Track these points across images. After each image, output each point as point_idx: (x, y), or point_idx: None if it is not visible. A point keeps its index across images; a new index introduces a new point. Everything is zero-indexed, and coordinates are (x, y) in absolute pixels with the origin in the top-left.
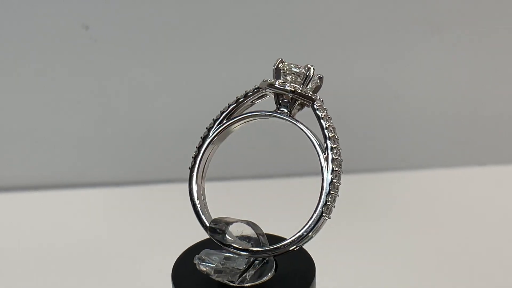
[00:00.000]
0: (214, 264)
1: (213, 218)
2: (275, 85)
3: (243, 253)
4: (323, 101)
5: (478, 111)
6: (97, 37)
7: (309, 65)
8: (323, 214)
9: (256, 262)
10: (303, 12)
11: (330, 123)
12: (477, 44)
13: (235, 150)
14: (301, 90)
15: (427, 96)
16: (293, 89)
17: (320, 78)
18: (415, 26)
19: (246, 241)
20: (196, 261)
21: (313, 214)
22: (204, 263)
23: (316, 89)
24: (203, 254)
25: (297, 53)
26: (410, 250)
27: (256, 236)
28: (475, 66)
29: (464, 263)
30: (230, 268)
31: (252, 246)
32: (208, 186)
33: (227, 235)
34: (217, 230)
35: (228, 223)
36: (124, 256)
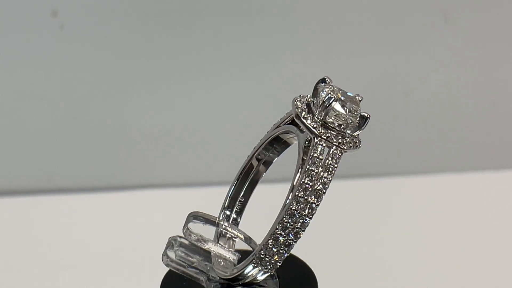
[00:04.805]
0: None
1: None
2: (293, 101)
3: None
4: (348, 146)
5: (497, 108)
6: (66, 24)
7: (330, 94)
8: (252, 262)
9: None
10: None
11: (321, 170)
12: (496, 32)
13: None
14: (304, 118)
15: (440, 92)
16: (296, 113)
17: (362, 117)
18: (424, 12)
19: (235, 251)
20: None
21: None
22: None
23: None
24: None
25: (290, 44)
26: (419, 259)
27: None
28: (494, 58)
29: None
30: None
31: (233, 259)
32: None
33: (187, 227)
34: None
35: (194, 217)
36: (109, 268)
